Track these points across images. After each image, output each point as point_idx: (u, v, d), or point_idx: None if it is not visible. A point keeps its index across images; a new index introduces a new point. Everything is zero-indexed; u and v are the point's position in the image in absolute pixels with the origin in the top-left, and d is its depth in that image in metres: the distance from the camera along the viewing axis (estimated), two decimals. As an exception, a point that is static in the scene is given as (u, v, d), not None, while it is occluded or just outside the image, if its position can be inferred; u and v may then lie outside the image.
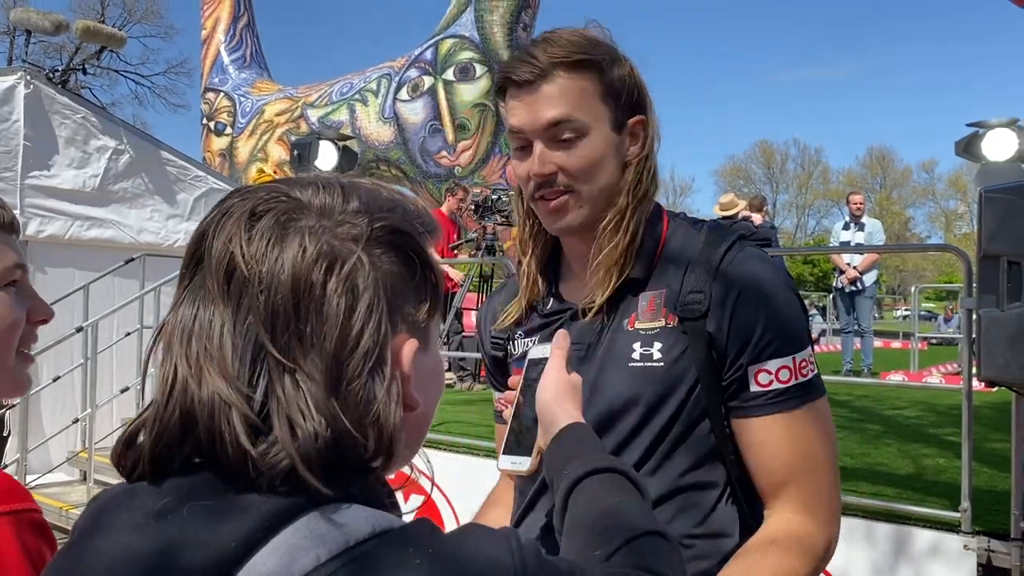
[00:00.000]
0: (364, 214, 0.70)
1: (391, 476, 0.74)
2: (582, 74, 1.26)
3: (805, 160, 54.82)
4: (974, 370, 3.37)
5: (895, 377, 9.08)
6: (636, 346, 1.27)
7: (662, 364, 1.25)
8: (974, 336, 3.32)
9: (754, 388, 1.24)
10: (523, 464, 1.11)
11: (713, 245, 1.28)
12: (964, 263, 3.79)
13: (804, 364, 1.25)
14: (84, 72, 27.01)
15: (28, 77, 6.71)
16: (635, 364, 1.26)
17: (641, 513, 0.88)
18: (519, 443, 1.13)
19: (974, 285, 3.40)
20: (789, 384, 1.23)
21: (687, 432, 1.24)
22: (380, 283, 0.68)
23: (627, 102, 1.30)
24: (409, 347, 0.70)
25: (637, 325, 1.28)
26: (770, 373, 1.24)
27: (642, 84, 1.33)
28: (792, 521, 1.23)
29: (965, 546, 3.40)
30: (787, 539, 1.21)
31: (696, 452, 1.25)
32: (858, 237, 9.66)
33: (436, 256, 0.75)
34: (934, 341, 17.87)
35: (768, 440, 1.24)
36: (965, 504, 3.50)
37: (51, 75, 7.19)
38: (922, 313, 23.42)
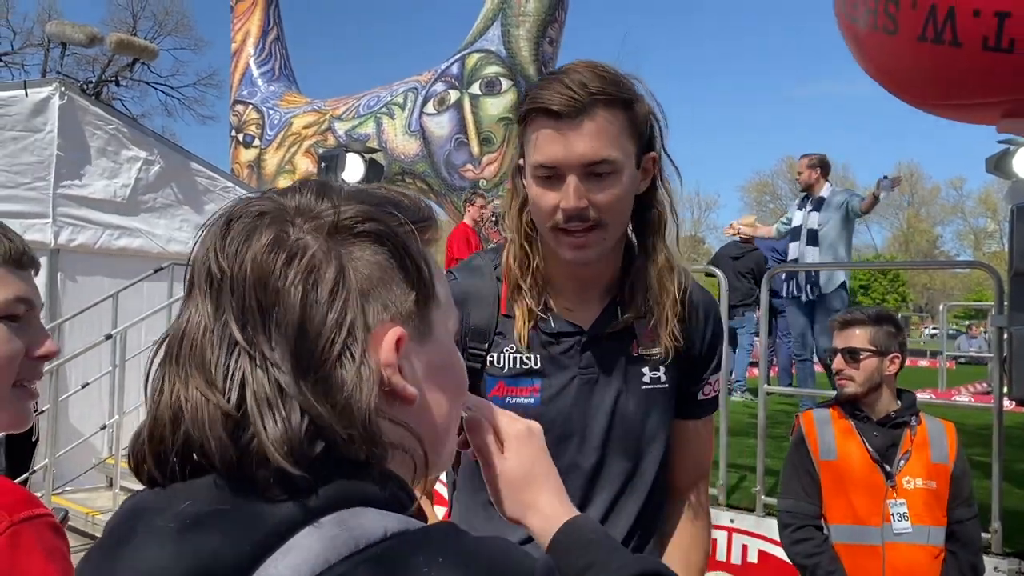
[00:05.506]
0: (337, 207, 0.72)
1: (418, 484, 0.73)
2: (617, 111, 1.29)
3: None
4: (1004, 389, 3.32)
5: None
6: (645, 370, 1.42)
7: (667, 386, 1.44)
8: (1005, 355, 3.27)
9: (700, 397, 1.50)
10: None
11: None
12: (995, 280, 3.75)
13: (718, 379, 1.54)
14: (117, 84, 27.43)
15: (63, 88, 6.81)
16: (647, 387, 1.42)
17: None
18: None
19: (1005, 303, 3.35)
20: (716, 394, 1.53)
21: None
22: (348, 270, 0.69)
23: (648, 140, 1.35)
24: (391, 334, 0.70)
25: (641, 351, 1.42)
26: (711, 385, 1.51)
27: (659, 121, 1.37)
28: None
29: (995, 568, 3.36)
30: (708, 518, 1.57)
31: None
32: (812, 219, 6.48)
33: (421, 247, 0.75)
34: (962, 360, 17.58)
35: (698, 438, 1.53)
36: (995, 525, 3.46)
37: (85, 87, 7.30)
38: (951, 332, 23.07)
